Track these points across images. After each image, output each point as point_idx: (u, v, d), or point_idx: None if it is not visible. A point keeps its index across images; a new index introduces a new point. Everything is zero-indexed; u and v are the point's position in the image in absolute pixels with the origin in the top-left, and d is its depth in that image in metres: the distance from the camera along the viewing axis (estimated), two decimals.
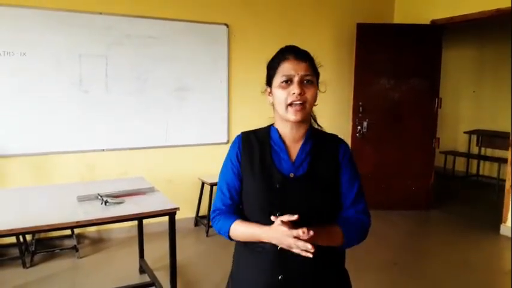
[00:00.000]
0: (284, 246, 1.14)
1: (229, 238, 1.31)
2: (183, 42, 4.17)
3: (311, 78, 1.25)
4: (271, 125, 1.37)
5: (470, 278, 3.35)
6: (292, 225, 1.13)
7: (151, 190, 2.77)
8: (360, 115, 4.93)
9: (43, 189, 2.97)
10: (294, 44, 1.33)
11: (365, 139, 4.96)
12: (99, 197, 2.49)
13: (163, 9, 4.05)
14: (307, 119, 1.31)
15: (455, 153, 6.95)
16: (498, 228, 4.37)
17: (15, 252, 3.50)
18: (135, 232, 3.55)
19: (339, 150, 1.33)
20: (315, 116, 1.37)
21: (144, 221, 3.30)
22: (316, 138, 1.33)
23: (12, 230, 2.06)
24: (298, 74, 1.23)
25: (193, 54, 4.21)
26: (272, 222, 1.16)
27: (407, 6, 5.31)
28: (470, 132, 6.91)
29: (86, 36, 3.76)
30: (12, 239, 3.43)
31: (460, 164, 7.08)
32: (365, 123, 4.93)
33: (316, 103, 1.28)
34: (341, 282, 1.37)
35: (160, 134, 4.16)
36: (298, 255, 1.18)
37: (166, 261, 2.64)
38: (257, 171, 1.29)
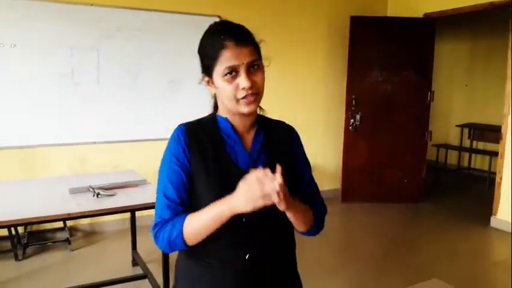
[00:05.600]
0: (264, 191, 0.94)
1: (184, 244, 1.06)
2: (175, 35, 4.13)
3: (258, 62, 1.08)
4: (215, 115, 1.21)
5: (459, 269, 3.39)
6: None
7: (143, 182, 2.77)
8: (352, 108, 4.94)
9: (34, 182, 2.95)
10: (231, 22, 1.13)
11: (358, 132, 4.97)
12: (91, 189, 2.48)
13: (155, 1, 4.02)
14: None
15: (448, 146, 7.01)
16: (489, 221, 4.42)
17: (7, 245, 3.49)
18: (128, 225, 3.54)
19: (293, 139, 1.23)
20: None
21: (137, 214, 3.29)
22: (266, 127, 1.20)
23: (3, 222, 2.05)
24: (243, 63, 1.05)
25: (185, 47, 4.17)
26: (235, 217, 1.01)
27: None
28: (462, 126, 6.96)
29: (77, 28, 3.72)
30: (4, 232, 3.43)
31: (452, 157, 7.14)
32: (358, 116, 4.94)
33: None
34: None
35: (151, 127, 4.13)
36: (269, 262, 1.12)
37: (159, 253, 2.65)
38: (212, 169, 1.10)
